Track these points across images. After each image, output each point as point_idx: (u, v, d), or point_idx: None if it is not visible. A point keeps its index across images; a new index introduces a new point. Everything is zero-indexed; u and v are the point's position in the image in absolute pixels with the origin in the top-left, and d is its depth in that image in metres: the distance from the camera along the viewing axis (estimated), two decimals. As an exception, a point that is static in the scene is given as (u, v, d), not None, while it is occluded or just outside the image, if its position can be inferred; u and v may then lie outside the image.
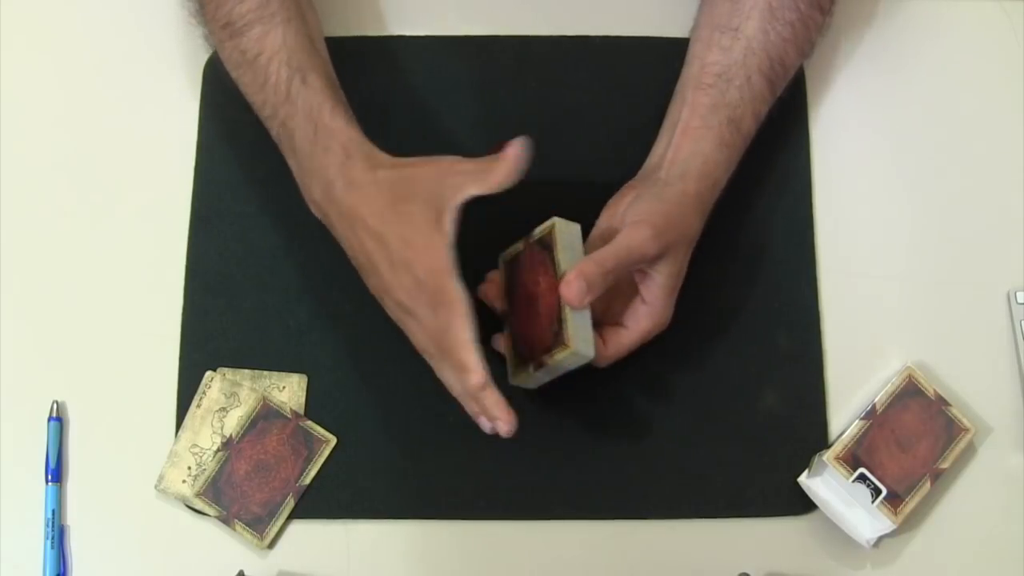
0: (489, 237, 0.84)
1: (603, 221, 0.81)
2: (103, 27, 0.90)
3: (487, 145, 0.87)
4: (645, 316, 0.77)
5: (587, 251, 0.77)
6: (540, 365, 0.74)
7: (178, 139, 0.87)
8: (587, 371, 0.76)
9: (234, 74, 0.82)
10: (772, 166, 0.87)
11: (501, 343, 0.79)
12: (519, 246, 0.79)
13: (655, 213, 0.76)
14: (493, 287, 0.80)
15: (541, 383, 0.78)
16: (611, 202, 0.81)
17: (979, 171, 0.88)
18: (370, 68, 0.89)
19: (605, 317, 0.78)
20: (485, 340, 0.78)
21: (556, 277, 0.74)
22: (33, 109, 0.88)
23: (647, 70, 0.88)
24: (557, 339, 0.73)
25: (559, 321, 0.73)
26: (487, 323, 0.78)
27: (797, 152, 0.88)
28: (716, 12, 0.83)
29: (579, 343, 0.72)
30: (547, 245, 0.76)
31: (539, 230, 0.77)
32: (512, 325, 0.78)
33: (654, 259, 0.75)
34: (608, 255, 0.74)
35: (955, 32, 0.91)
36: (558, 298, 0.73)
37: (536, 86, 0.89)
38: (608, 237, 0.78)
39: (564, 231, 0.76)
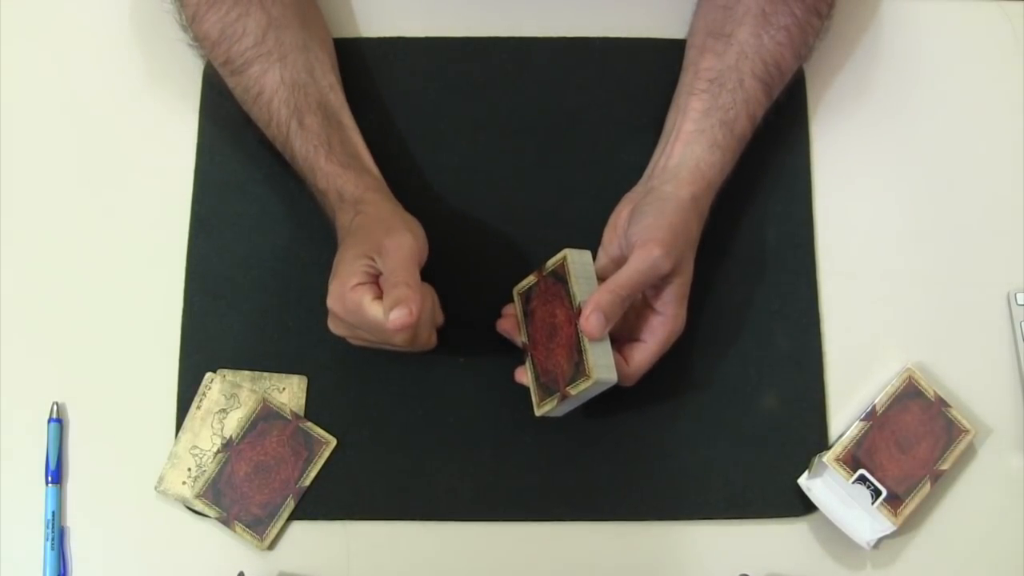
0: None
1: (607, 239, 0.82)
2: (103, 29, 0.90)
3: (486, 146, 0.87)
4: (661, 326, 0.77)
5: (598, 274, 0.77)
6: (564, 397, 0.75)
7: (178, 141, 0.87)
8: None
9: (243, 107, 0.83)
10: (772, 167, 0.87)
11: (523, 376, 0.79)
12: (532, 278, 0.79)
13: (660, 229, 0.76)
14: (510, 321, 0.81)
15: (567, 411, 0.78)
16: (611, 217, 0.82)
17: (979, 171, 0.88)
18: (370, 68, 0.89)
19: (620, 333, 0.78)
20: (509, 376, 0.80)
21: (572, 308, 0.75)
22: (33, 112, 0.88)
23: (647, 71, 0.88)
24: (578, 370, 0.74)
25: (579, 351, 0.74)
26: (508, 356, 0.79)
27: (797, 152, 0.88)
28: (710, 19, 0.83)
29: (600, 372, 0.73)
30: (560, 276, 0.77)
31: (551, 262, 0.78)
32: (533, 358, 0.78)
33: (668, 275, 0.76)
34: (622, 282, 0.74)
35: (955, 33, 0.91)
36: (576, 329, 0.74)
37: (536, 87, 0.89)
38: (617, 258, 0.79)
39: (576, 261, 0.77)
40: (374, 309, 0.72)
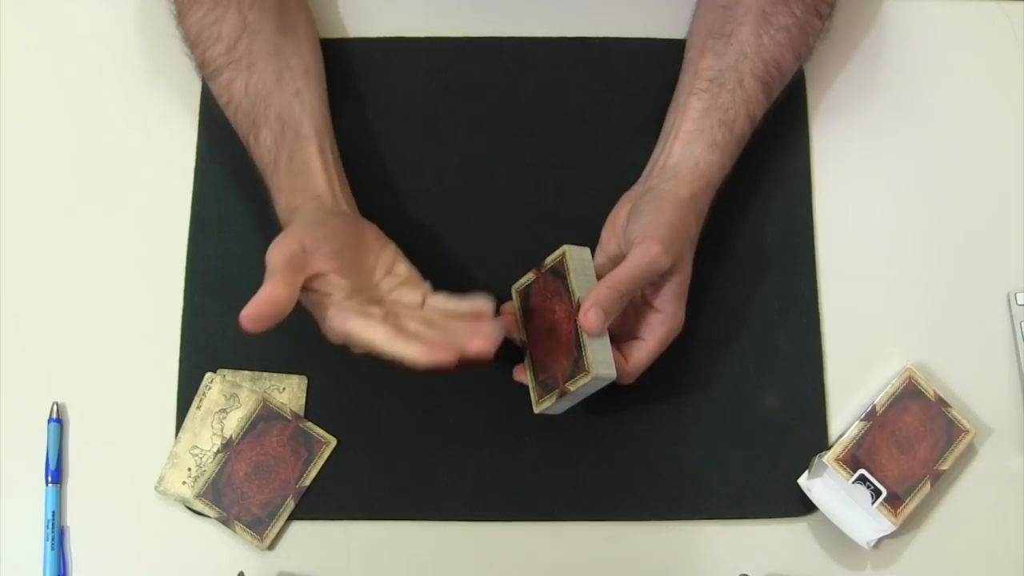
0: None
1: (605, 238, 0.82)
2: (104, 30, 0.90)
3: (486, 146, 0.87)
4: (659, 324, 0.77)
5: (596, 273, 0.77)
6: (563, 393, 0.75)
7: (178, 141, 0.87)
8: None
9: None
10: (772, 167, 0.87)
11: (522, 374, 0.79)
12: (531, 276, 0.79)
13: (659, 226, 0.76)
14: (509, 319, 0.80)
15: (566, 409, 0.78)
16: (610, 216, 0.82)
17: (979, 172, 0.88)
18: (370, 68, 0.89)
19: (619, 331, 0.78)
20: (509, 378, 0.79)
21: (572, 304, 0.75)
22: (34, 111, 0.88)
23: (647, 71, 0.88)
24: (577, 366, 0.74)
25: (578, 348, 0.74)
26: (507, 355, 0.78)
27: (797, 153, 0.88)
28: (710, 19, 0.83)
29: (599, 367, 0.73)
30: (560, 273, 0.77)
31: (550, 259, 0.78)
32: (532, 355, 0.78)
33: (667, 272, 0.76)
34: (622, 278, 0.74)
35: (955, 33, 0.91)
36: (575, 325, 0.74)
37: (536, 87, 0.89)
38: (615, 257, 0.79)
39: (575, 257, 0.77)
40: (366, 332, 0.72)
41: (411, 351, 0.70)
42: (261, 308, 0.69)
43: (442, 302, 0.77)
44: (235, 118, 0.81)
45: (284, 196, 0.78)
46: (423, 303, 0.77)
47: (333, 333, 0.73)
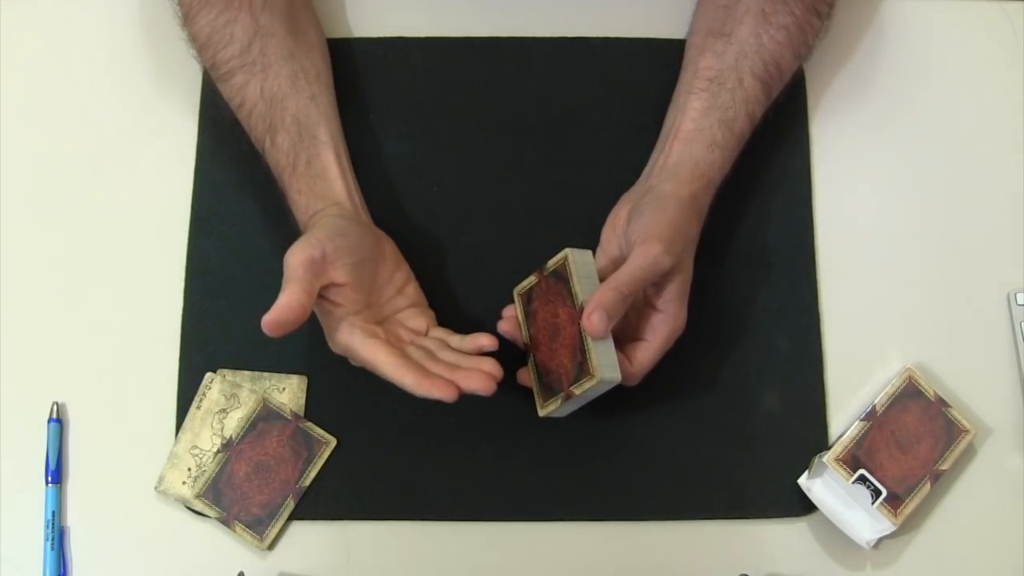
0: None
1: (605, 239, 0.82)
2: (104, 30, 0.90)
3: (486, 146, 0.87)
4: (662, 324, 0.77)
5: (598, 275, 0.77)
6: (569, 396, 0.75)
7: (178, 141, 0.87)
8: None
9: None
10: (772, 168, 0.87)
11: (525, 377, 0.79)
12: (533, 279, 0.79)
13: (660, 226, 0.76)
14: (511, 323, 0.80)
15: (571, 412, 0.78)
16: (610, 217, 0.82)
17: (979, 172, 0.88)
18: (370, 68, 0.89)
19: (622, 333, 0.78)
20: (510, 377, 0.79)
21: (575, 307, 0.75)
22: (34, 111, 0.88)
23: (647, 71, 0.88)
24: (582, 369, 0.74)
25: (582, 351, 0.74)
26: (509, 358, 0.78)
27: (797, 153, 0.88)
28: (710, 18, 0.83)
29: (604, 370, 0.73)
30: (562, 276, 0.77)
31: (552, 262, 0.78)
32: (535, 358, 0.78)
33: (668, 273, 0.76)
34: (624, 280, 0.74)
35: (955, 33, 0.91)
36: (579, 328, 0.74)
37: (536, 87, 0.89)
38: (616, 258, 0.79)
39: (578, 260, 0.77)
40: (369, 352, 0.73)
41: (410, 379, 0.71)
42: (282, 313, 0.70)
43: (444, 335, 0.78)
44: (249, 121, 0.81)
45: (304, 199, 0.79)
46: (427, 331, 0.78)
47: (338, 345, 0.74)
